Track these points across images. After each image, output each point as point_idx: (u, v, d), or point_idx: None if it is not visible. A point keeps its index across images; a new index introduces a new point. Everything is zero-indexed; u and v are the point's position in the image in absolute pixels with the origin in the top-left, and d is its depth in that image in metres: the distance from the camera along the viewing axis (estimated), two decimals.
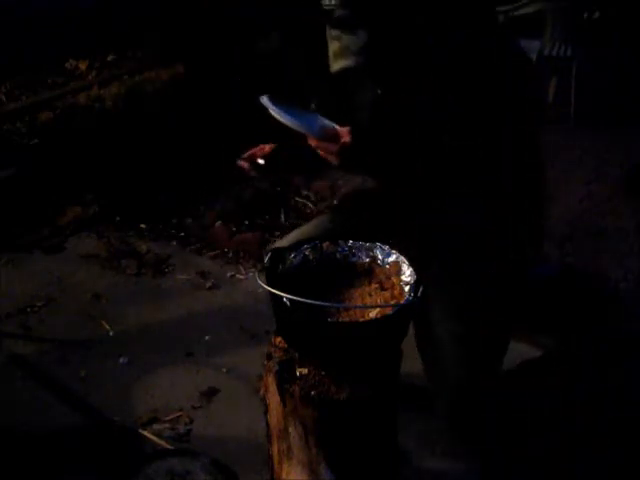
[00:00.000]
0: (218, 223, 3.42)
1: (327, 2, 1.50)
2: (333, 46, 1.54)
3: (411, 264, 1.69)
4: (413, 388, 2.08)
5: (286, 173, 1.90)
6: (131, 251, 3.25)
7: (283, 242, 1.88)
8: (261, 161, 1.78)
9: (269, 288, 1.56)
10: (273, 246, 1.88)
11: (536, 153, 1.62)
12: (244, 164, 1.78)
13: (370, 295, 1.69)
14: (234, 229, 3.38)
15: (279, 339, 1.69)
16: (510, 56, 1.51)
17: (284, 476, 1.71)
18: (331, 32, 1.53)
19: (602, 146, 3.82)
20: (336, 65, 1.53)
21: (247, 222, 3.43)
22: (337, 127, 1.56)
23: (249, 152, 1.81)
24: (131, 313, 2.88)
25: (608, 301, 2.69)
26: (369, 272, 1.74)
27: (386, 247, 1.75)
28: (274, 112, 1.50)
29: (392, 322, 1.60)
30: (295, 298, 1.51)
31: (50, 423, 2.36)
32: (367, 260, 1.76)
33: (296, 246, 1.77)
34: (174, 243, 3.33)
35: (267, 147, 1.82)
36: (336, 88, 1.63)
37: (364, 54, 1.49)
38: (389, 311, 1.60)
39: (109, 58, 4.43)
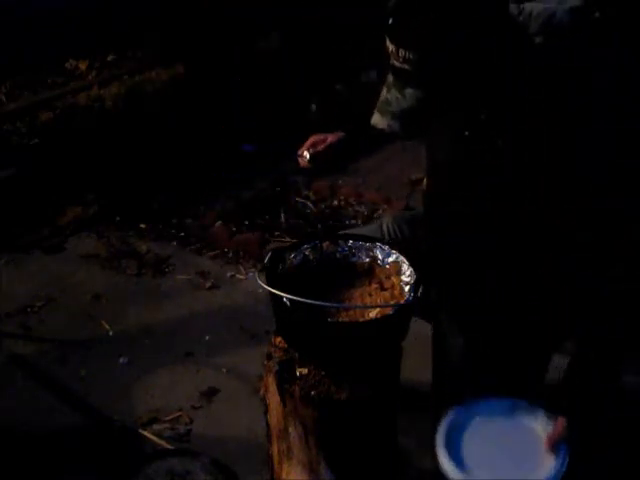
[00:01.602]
0: (218, 223, 3.42)
1: (399, 61, 1.45)
2: (382, 92, 1.52)
3: (411, 264, 1.69)
4: (413, 388, 2.08)
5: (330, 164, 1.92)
6: (131, 251, 3.25)
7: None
8: (307, 154, 1.85)
9: (269, 288, 1.56)
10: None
11: (543, 155, 1.60)
12: (303, 154, 1.82)
13: (370, 295, 1.69)
14: (234, 229, 3.38)
15: (279, 339, 1.69)
16: (511, 55, 1.51)
17: (284, 476, 1.71)
18: (388, 77, 1.51)
19: None
20: (373, 118, 1.51)
21: (247, 222, 3.43)
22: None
23: (312, 141, 1.87)
24: (131, 313, 2.88)
25: (608, 301, 2.68)
26: (369, 272, 1.75)
27: (386, 247, 1.75)
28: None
29: (392, 322, 1.60)
30: (295, 298, 1.51)
31: (50, 423, 2.36)
32: (367, 260, 1.76)
33: (296, 246, 1.77)
34: (174, 243, 3.33)
35: (330, 137, 1.87)
36: None
37: (402, 120, 1.46)
38: (389, 311, 1.60)
39: (109, 58, 4.43)
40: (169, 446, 2.27)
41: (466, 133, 1.55)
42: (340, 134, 1.91)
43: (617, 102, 1.51)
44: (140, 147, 3.72)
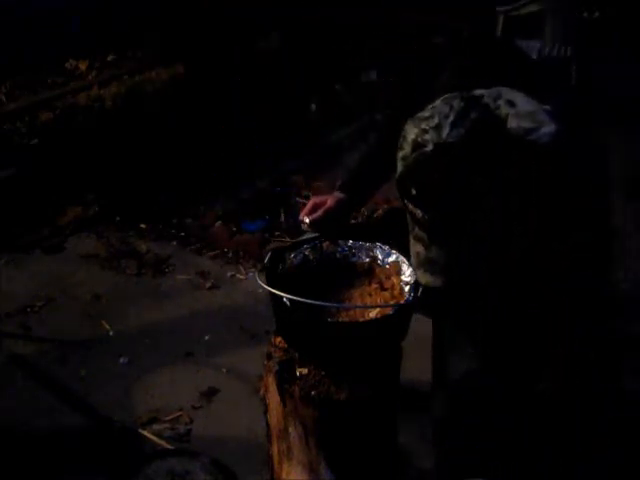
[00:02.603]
0: (218, 223, 3.42)
1: (411, 207, 1.43)
2: (416, 247, 1.49)
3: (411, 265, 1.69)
4: (413, 388, 2.08)
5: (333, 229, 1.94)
6: (131, 251, 3.25)
7: None
8: (307, 220, 1.87)
9: (269, 288, 1.56)
10: None
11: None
12: (304, 220, 1.86)
13: (370, 295, 1.69)
14: (234, 229, 3.38)
15: (279, 339, 1.69)
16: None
17: (284, 476, 1.71)
18: (416, 231, 1.48)
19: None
20: (422, 278, 1.50)
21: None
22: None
23: (312, 204, 1.90)
24: (131, 313, 2.87)
25: (608, 301, 2.68)
26: (369, 272, 1.74)
27: (386, 247, 1.75)
28: None
29: (392, 322, 1.60)
30: (295, 298, 1.51)
31: (50, 423, 2.36)
32: (367, 260, 1.76)
33: (296, 246, 1.77)
34: (174, 243, 3.33)
35: (330, 201, 1.90)
36: None
37: (454, 270, 1.45)
38: (389, 311, 1.60)
39: (109, 58, 4.43)
40: (169, 446, 2.27)
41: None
42: (339, 196, 1.92)
43: (617, 103, 1.50)
44: (140, 147, 3.73)
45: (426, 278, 1.48)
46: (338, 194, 1.94)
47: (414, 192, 1.40)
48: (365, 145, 2.01)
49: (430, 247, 1.45)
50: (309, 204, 1.94)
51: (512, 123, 1.39)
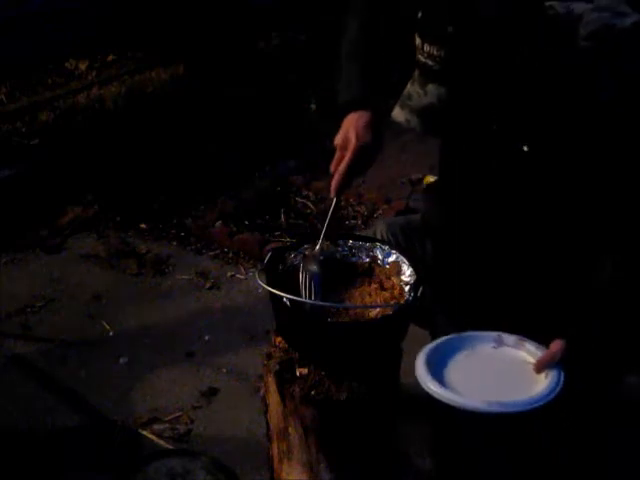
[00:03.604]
0: (218, 223, 3.42)
1: (423, 56, 1.40)
2: (407, 85, 1.49)
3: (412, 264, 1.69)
4: (412, 389, 2.08)
5: None
6: (131, 251, 3.25)
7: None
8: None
9: (269, 288, 1.56)
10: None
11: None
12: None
13: (370, 295, 1.68)
14: (234, 229, 3.38)
15: (279, 339, 1.69)
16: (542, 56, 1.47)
17: (284, 476, 1.71)
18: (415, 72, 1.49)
19: None
20: (394, 111, 1.49)
21: (247, 222, 3.43)
22: None
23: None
24: (131, 313, 2.87)
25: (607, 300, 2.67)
26: (369, 272, 1.74)
27: (386, 247, 1.75)
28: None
29: (392, 322, 1.60)
30: (295, 298, 1.51)
31: (50, 423, 2.36)
32: (367, 260, 1.76)
33: (296, 246, 1.77)
34: (174, 243, 3.33)
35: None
36: None
37: (420, 116, 1.44)
38: (389, 311, 1.60)
39: (109, 58, 4.44)
40: (169, 446, 2.27)
41: (494, 127, 1.51)
42: (364, 117, 1.65)
43: None
44: (140, 147, 3.73)
45: (395, 112, 1.46)
46: (358, 116, 1.63)
47: (420, 15, 1.39)
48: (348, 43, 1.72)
49: (413, 84, 1.43)
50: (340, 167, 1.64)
51: (589, 15, 1.32)
